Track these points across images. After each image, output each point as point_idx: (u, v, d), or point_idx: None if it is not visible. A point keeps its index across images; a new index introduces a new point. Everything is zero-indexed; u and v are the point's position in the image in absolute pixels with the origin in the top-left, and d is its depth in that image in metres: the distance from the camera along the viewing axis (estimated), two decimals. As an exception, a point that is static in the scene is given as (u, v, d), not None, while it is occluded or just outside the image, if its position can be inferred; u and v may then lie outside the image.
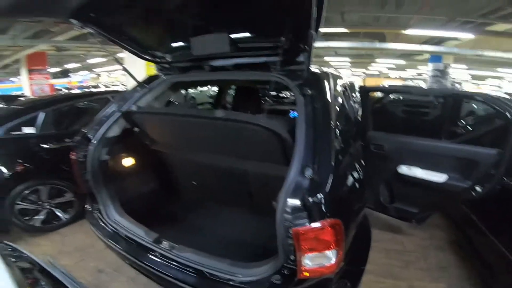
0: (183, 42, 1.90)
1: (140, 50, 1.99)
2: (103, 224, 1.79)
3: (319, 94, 1.47)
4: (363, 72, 24.75)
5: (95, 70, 21.12)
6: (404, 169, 2.10)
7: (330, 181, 1.17)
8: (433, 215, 2.41)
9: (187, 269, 1.45)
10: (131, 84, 2.13)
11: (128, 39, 1.90)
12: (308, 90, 1.46)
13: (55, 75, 13.29)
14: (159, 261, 1.52)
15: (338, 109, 1.60)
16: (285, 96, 5.92)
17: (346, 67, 21.88)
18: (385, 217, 2.47)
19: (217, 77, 2.03)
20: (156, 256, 1.54)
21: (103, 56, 13.32)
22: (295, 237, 1.13)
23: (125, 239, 1.68)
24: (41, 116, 2.73)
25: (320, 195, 1.11)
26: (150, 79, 2.12)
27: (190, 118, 1.74)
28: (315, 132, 1.30)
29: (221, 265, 1.40)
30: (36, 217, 2.64)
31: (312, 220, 1.11)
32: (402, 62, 15.58)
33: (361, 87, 2.51)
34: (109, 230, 1.76)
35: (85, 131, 1.88)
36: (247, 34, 1.78)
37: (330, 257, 1.18)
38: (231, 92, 3.78)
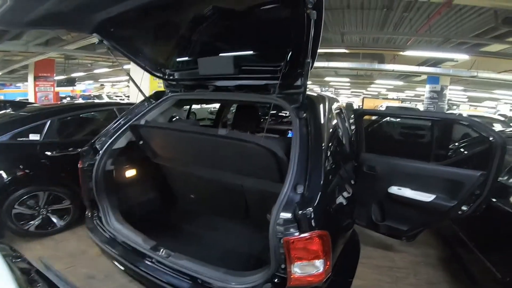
0: (191, 61, 2.03)
1: (150, 67, 2.13)
2: (101, 231, 1.85)
3: (313, 117, 1.58)
4: (362, 93, 25.19)
5: (100, 80, 21.43)
6: (394, 190, 2.18)
7: (318, 197, 1.28)
8: (425, 234, 2.47)
9: (182, 276, 1.51)
10: (133, 95, 2.25)
11: (141, 55, 2.04)
12: (303, 113, 1.57)
13: (61, 83, 13.44)
14: (156, 268, 1.58)
15: (331, 131, 1.69)
16: (283, 115, 6.06)
17: (346, 87, 22.26)
18: (377, 235, 2.52)
19: (219, 97, 2.17)
20: (152, 262, 1.60)
21: (109, 67, 13.60)
22: (286, 246, 1.23)
23: (122, 246, 1.74)
24: (47, 124, 2.80)
25: (309, 209, 1.22)
26: (157, 95, 2.25)
27: (194, 135, 1.84)
28: (308, 153, 1.42)
29: (215, 273, 1.46)
30: (31, 222, 2.65)
31: (301, 231, 1.22)
32: (400, 83, 15.90)
33: (354, 111, 2.64)
34: (107, 236, 1.81)
35: (93, 141, 1.98)
36: (250, 58, 1.93)
37: (318, 267, 1.27)
38: (232, 109, 3.96)
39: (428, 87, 12.30)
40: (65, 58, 11.86)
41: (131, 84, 8.03)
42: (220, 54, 1.85)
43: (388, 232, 2.41)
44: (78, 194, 2.73)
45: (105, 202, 1.92)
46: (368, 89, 22.22)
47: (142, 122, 2.00)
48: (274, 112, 5.73)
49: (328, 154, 1.49)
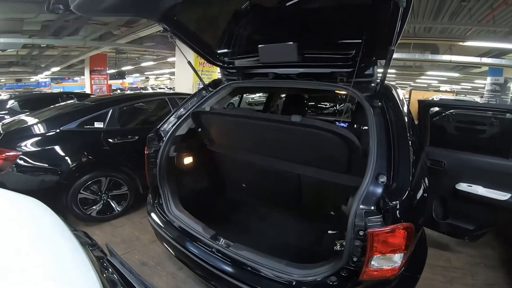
0: (251, 49, 2.00)
1: (210, 54, 2.14)
2: (162, 217, 1.93)
3: (392, 106, 1.53)
4: (409, 85, 23.35)
5: (146, 73, 22.71)
6: (463, 186, 2.04)
7: (408, 188, 1.22)
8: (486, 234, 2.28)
9: (243, 266, 1.51)
10: (177, 86, 2.32)
11: (201, 44, 2.06)
12: (378, 101, 1.51)
13: (112, 76, 14.51)
14: (215, 257, 1.59)
15: (409, 120, 1.60)
16: (323, 106, 5.86)
17: (391, 79, 20.85)
18: (432, 233, 2.37)
19: (280, 85, 2.11)
20: (212, 252, 1.62)
21: (154, 60, 14.33)
22: (370, 238, 1.18)
23: (182, 233, 1.79)
24: (109, 112, 2.97)
25: (397, 201, 1.16)
26: (215, 83, 2.27)
27: (261, 121, 1.82)
28: (389, 142, 1.36)
29: (277, 264, 1.45)
30: (94, 207, 2.84)
31: (387, 223, 1.17)
32: (455, 74, 14.37)
33: (420, 102, 2.46)
34: (167, 223, 1.87)
35: (157, 128, 2.06)
36: (316, 45, 1.86)
37: (396, 261, 1.24)
38: (278, 99, 3.88)
39: (489, 79, 11.06)
40: (116, 52, 12.71)
41: (176, 76, 8.50)
42: (284, 42, 1.79)
43: (450, 231, 2.27)
44: (134, 180, 2.97)
45: (167, 189, 1.99)
46: (417, 80, 20.48)
47: (207, 108, 2.01)
48: (313, 103, 5.60)
49: (412, 144, 1.41)
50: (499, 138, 2.70)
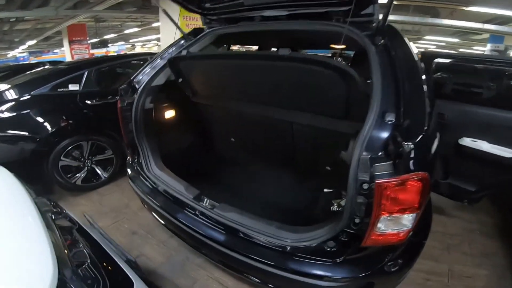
0: None
1: (188, 1, 1.88)
2: (143, 179, 1.77)
3: (397, 42, 1.31)
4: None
5: (131, 40, 21.69)
6: (467, 141, 1.89)
7: (424, 125, 1.01)
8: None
9: (230, 230, 1.36)
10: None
11: None
12: (381, 38, 1.29)
13: (95, 45, 13.96)
14: (199, 220, 1.45)
15: (417, 59, 1.38)
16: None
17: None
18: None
19: (268, 28, 1.84)
20: (195, 215, 1.47)
21: (138, 26, 13.58)
22: (377, 192, 0.97)
23: (163, 196, 1.64)
24: (85, 74, 2.79)
25: (410, 142, 0.92)
26: (196, 32, 2.03)
27: (244, 61, 1.59)
28: (397, 75, 1.13)
29: (268, 228, 1.29)
30: (78, 174, 2.72)
31: (398, 172, 0.95)
32: (455, 40, 13.97)
33: (423, 53, 2.29)
34: (148, 186, 1.73)
35: (131, 79, 1.86)
36: None
37: (407, 223, 1.05)
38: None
39: (489, 46, 10.75)
40: (95, 21, 12.17)
41: (161, 41, 7.94)
42: None
43: (449, 192, 2.16)
44: (119, 143, 2.81)
45: (146, 146, 1.84)
46: (414, 44, 19.97)
47: (184, 53, 1.79)
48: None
49: (424, 80, 1.21)
50: (508, 91, 2.55)
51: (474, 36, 12.44)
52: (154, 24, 12.11)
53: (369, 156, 0.99)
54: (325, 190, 1.88)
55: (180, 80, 1.94)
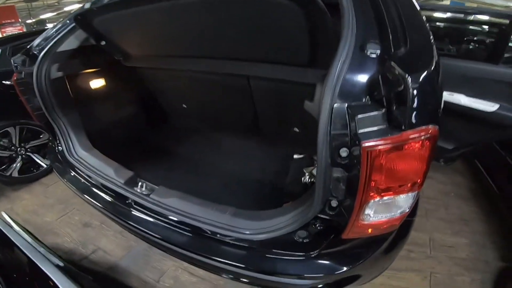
0: None
1: None
2: (65, 165, 1.46)
3: None
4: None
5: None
6: (444, 95, 1.78)
7: (431, 58, 0.69)
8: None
9: (169, 222, 1.09)
10: None
11: None
12: None
13: (31, 26, 12.97)
14: (132, 211, 1.17)
15: None
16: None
17: None
18: None
19: None
20: (127, 204, 1.19)
21: (79, 2, 12.43)
22: (365, 160, 0.64)
23: (91, 183, 1.35)
24: None
25: (411, 83, 0.59)
26: None
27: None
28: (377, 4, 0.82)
29: (220, 216, 1.03)
30: (13, 165, 2.34)
31: (396, 127, 0.63)
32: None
33: None
34: (71, 171, 1.42)
35: (29, 47, 1.46)
36: None
37: (404, 204, 0.76)
38: None
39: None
40: (24, 1, 11.63)
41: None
42: None
43: None
44: None
45: (64, 124, 1.49)
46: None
47: (87, 5, 1.40)
48: None
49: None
50: (487, 44, 2.48)
51: (436, 1, 12.77)
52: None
53: (347, 104, 0.68)
54: (295, 156, 1.68)
55: (102, 42, 1.55)
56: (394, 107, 0.63)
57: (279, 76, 1.29)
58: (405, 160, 0.66)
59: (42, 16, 14.30)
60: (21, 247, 0.89)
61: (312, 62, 1.15)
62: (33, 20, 13.38)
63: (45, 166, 2.50)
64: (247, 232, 0.95)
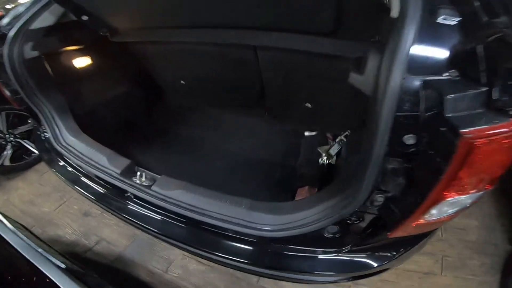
0: None
1: None
2: (51, 153, 1.36)
3: None
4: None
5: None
6: None
7: None
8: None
9: (175, 218, 0.99)
10: None
11: None
12: None
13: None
14: (132, 207, 1.08)
15: None
16: None
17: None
18: None
19: None
20: (126, 198, 1.09)
21: None
22: (462, 152, 0.49)
23: (79, 172, 1.25)
24: None
25: None
26: None
27: None
28: None
29: (234, 210, 0.90)
30: (3, 153, 2.21)
31: (499, 113, 0.48)
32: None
33: None
34: (59, 161, 1.32)
35: None
36: None
37: (469, 201, 0.63)
38: None
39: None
40: None
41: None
42: None
43: None
44: None
45: (47, 108, 1.35)
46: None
47: None
48: None
49: None
50: None
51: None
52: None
53: (424, 79, 0.52)
54: (306, 133, 1.58)
55: (84, 17, 1.38)
56: (501, 86, 0.47)
57: (294, 46, 1.13)
58: (505, 153, 0.51)
59: (21, 1, 13.48)
60: (19, 249, 0.83)
61: (334, 29, 0.99)
62: (13, 6, 12.67)
63: (37, 152, 2.35)
64: (268, 228, 0.85)
